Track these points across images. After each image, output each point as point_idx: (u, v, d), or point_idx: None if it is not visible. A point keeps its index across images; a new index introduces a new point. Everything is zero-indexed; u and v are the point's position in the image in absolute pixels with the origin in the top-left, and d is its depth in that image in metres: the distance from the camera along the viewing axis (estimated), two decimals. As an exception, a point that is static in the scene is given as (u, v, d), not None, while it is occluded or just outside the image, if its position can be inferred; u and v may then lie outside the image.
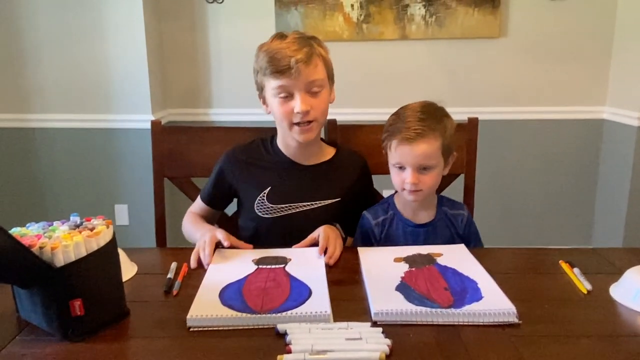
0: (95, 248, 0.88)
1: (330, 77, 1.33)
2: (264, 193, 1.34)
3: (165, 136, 1.56)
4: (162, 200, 1.57)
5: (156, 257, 1.31)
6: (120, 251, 0.97)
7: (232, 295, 0.98)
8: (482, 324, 0.90)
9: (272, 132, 1.40)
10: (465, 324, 0.90)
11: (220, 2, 2.78)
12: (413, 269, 1.09)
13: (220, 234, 1.21)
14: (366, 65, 2.83)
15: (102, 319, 0.90)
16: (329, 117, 1.51)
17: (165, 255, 1.31)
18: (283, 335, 0.86)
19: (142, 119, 2.60)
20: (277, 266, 1.12)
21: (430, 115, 1.25)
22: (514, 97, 2.84)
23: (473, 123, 1.56)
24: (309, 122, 1.27)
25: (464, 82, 2.82)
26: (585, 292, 1.03)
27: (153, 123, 1.56)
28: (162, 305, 0.99)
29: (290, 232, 1.27)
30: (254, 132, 1.49)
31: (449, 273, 1.07)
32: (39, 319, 0.88)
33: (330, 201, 1.35)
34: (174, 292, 1.02)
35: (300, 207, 1.34)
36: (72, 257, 0.85)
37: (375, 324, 0.89)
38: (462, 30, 2.74)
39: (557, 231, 2.98)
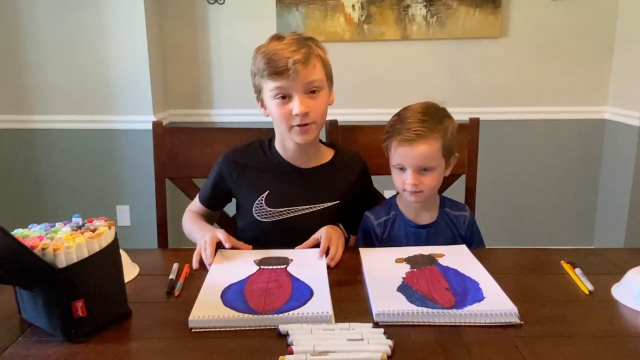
0: (97, 249, 0.88)
1: (329, 78, 1.32)
2: (263, 197, 1.33)
3: (167, 137, 1.56)
4: (164, 201, 1.58)
5: (158, 258, 1.31)
6: (122, 252, 0.97)
7: (233, 296, 0.98)
8: (483, 324, 0.90)
9: (272, 133, 1.39)
10: (466, 324, 0.90)
11: (222, 3, 2.79)
12: (414, 269, 1.09)
13: (221, 235, 1.21)
14: (367, 65, 2.83)
15: (105, 320, 0.90)
16: (330, 117, 1.51)
17: (167, 256, 1.31)
18: (285, 336, 0.86)
19: (143, 120, 2.60)
20: (278, 267, 1.12)
21: (431, 117, 1.25)
22: (516, 97, 2.84)
23: (474, 123, 1.56)
24: (308, 124, 1.25)
25: (465, 83, 2.82)
26: (587, 292, 1.03)
27: (154, 124, 1.56)
28: (164, 306, 0.99)
29: (290, 236, 1.25)
30: (255, 133, 1.49)
31: (450, 273, 1.07)
32: (41, 320, 0.88)
33: (329, 204, 1.35)
34: (176, 293, 1.02)
35: (299, 210, 1.33)
36: (74, 259, 0.85)
37: (376, 325, 0.89)
38: (463, 31, 2.74)
39: (559, 231, 2.98)
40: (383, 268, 1.11)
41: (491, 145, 2.77)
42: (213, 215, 1.49)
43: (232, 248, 1.21)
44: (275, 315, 0.91)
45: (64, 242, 0.85)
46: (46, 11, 2.59)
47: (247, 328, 0.89)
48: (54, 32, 2.61)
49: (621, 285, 1.03)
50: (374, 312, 0.92)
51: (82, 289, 0.86)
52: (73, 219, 0.96)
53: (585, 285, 1.04)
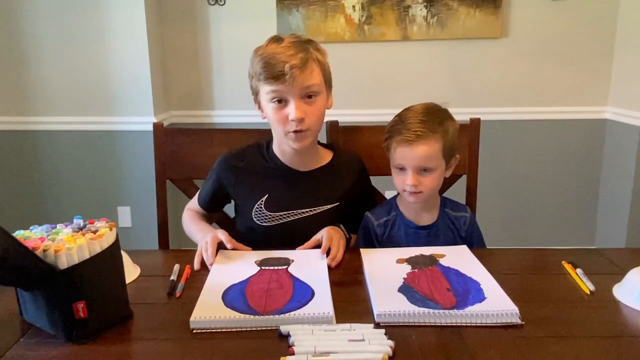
0: (99, 250, 0.88)
1: (328, 82, 1.29)
2: (262, 201, 1.33)
3: (168, 138, 1.56)
4: (165, 202, 1.58)
5: (159, 259, 1.32)
6: (123, 253, 0.97)
7: (235, 296, 0.98)
8: (484, 325, 0.90)
9: (272, 135, 1.37)
10: (468, 325, 0.90)
11: (222, 4, 2.79)
12: (415, 270, 1.09)
13: (222, 235, 1.21)
14: (368, 66, 2.83)
15: (106, 321, 0.90)
16: (331, 118, 1.52)
17: (168, 257, 1.31)
18: (286, 336, 0.86)
19: (144, 121, 2.60)
20: (279, 267, 1.12)
21: (432, 117, 1.25)
22: (516, 97, 2.84)
23: (475, 123, 1.56)
24: (303, 130, 1.24)
25: (466, 83, 2.82)
26: (588, 292, 1.03)
27: (155, 125, 1.56)
28: (165, 307, 0.99)
29: (290, 240, 1.24)
30: (256, 134, 1.49)
31: (451, 274, 1.07)
32: (43, 321, 0.88)
33: (329, 206, 1.34)
34: (177, 294, 1.03)
35: (299, 214, 1.32)
36: (76, 260, 0.85)
37: (378, 326, 0.89)
38: (463, 31, 2.74)
39: (560, 232, 2.97)
40: (384, 269, 1.11)
41: (492, 146, 2.77)
42: (212, 214, 1.50)
43: (233, 249, 1.21)
44: (276, 315, 0.91)
45: (65, 243, 0.85)
46: (47, 12, 2.59)
47: (248, 329, 0.89)
48: (54, 33, 2.61)
49: (622, 285, 1.03)
50: (375, 312, 0.92)
51: (84, 290, 0.86)
52: (74, 220, 0.96)
53: (587, 285, 1.04)
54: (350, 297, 1.02)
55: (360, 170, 1.42)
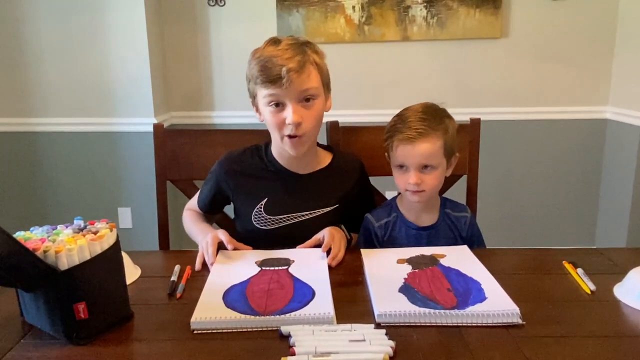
0: (99, 251, 0.88)
1: (326, 84, 1.28)
2: (261, 205, 1.32)
3: (168, 139, 1.56)
4: (165, 203, 1.58)
5: (159, 260, 1.32)
6: (123, 254, 0.97)
7: (235, 297, 0.98)
8: (485, 325, 0.90)
9: (270, 136, 1.37)
10: (468, 325, 0.90)
11: (222, 5, 2.79)
12: (416, 270, 1.09)
13: (223, 236, 1.21)
14: (368, 66, 2.83)
15: (106, 322, 0.90)
16: (331, 119, 1.52)
17: (169, 258, 1.31)
18: (287, 337, 0.86)
19: (144, 122, 2.61)
20: (280, 268, 1.12)
21: (432, 116, 1.26)
22: (516, 97, 2.84)
23: (475, 124, 1.56)
24: (300, 136, 1.23)
25: (466, 83, 2.82)
26: (589, 292, 1.02)
27: (155, 126, 1.56)
28: (165, 308, 0.99)
29: (290, 243, 1.24)
30: (257, 135, 1.49)
31: (452, 274, 1.07)
32: (44, 322, 0.88)
33: (328, 209, 1.33)
34: (178, 294, 1.03)
35: (299, 217, 1.32)
36: (76, 261, 0.85)
37: (378, 326, 0.89)
38: (463, 31, 2.74)
39: (561, 231, 2.97)
40: (385, 269, 1.11)
41: (492, 146, 2.77)
42: (212, 216, 1.50)
43: (234, 249, 1.21)
44: (277, 316, 0.91)
45: (66, 244, 0.85)
46: (47, 14, 2.60)
47: (249, 329, 0.89)
48: (55, 34, 2.61)
49: (623, 285, 1.03)
50: (376, 313, 0.92)
51: (84, 291, 0.86)
52: (75, 221, 0.96)
53: (587, 285, 1.04)
54: (351, 297, 1.02)
55: (360, 172, 1.42)
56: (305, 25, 2.75)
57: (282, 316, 0.91)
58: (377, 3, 2.72)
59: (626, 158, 2.67)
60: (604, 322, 0.93)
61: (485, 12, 2.71)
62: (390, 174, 1.33)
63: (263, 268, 1.12)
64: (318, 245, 1.22)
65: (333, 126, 1.55)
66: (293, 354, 0.80)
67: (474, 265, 1.12)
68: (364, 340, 0.83)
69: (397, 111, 1.32)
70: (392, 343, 0.82)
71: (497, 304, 0.94)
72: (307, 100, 1.22)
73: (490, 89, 2.83)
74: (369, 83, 2.84)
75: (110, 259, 0.91)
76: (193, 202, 1.48)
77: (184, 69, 2.88)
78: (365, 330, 0.86)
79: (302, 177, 1.35)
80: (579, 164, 2.90)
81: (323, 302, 0.96)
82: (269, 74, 1.18)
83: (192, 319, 0.90)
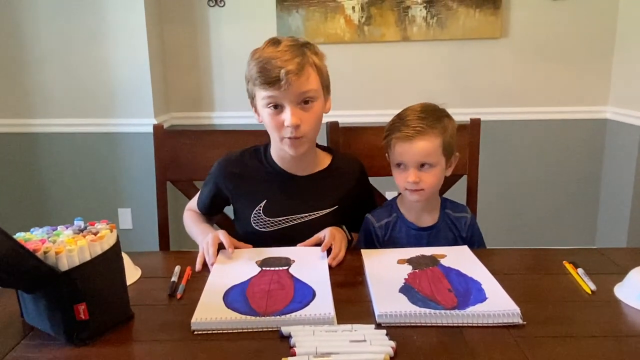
0: (99, 252, 0.88)
1: (325, 86, 1.27)
2: (260, 207, 1.32)
3: (168, 140, 1.56)
4: (165, 203, 1.58)
5: (160, 261, 1.32)
6: (124, 255, 0.97)
7: (236, 297, 0.98)
8: (486, 325, 0.90)
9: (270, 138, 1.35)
10: (469, 325, 0.90)
11: (222, 6, 2.79)
12: (417, 270, 1.09)
13: (223, 237, 1.21)
14: (368, 67, 2.83)
15: (107, 322, 0.90)
16: (331, 119, 1.52)
17: (169, 258, 1.31)
18: (287, 337, 0.86)
19: (144, 123, 2.61)
20: (280, 268, 1.12)
21: (430, 115, 1.26)
22: (516, 97, 2.84)
23: (475, 124, 1.56)
24: (299, 137, 1.22)
25: (466, 83, 2.82)
26: (590, 292, 1.02)
27: (155, 127, 1.56)
28: (166, 308, 0.99)
29: (289, 245, 1.23)
30: (257, 136, 1.49)
31: (452, 274, 1.07)
32: (44, 323, 0.88)
33: (328, 210, 1.33)
34: (178, 295, 1.03)
35: (298, 219, 1.31)
36: (77, 262, 0.85)
37: (379, 326, 0.89)
38: (463, 31, 2.74)
39: (561, 231, 2.97)
40: (385, 269, 1.11)
41: (492, 146, 2.77)
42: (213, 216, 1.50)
43: (235, 248, 1.21)
44: (278, 317, 0.91)
45: (66, 245, 0.85)
46: (47, 15, 2.60)
47: (249, 330, 0.89)
48: (55, 35, 2.62)
49: (623, 284, 1.03)
50: (377, 313, 0.92)
51: (84, 292, 0.86)
52: (75, 222, 0.96)
53: (588, 285, 1.04)
54: (352, 297, 1.02)
55: (360, 173, 1.42)
56: (305, 25, 2.75)
57: (283, 317, 0.91)
58: (377, 3, 2.72)
59: (626, 158, 2.67)
60: (605, 322, 0.93)
61: (485, 12, 2.71)
62: (390, 174, 1.33)
63: (263, 268, 1.12)
64: (319, 244, 1.22)
65: (333, 127, 1.55)
66: (293, 354, 0.80)
67: (475, 265, 1.12)
68: (364, 340, 0.83)
69: (397, 111, 1.33)
70: (392, 343, 0.82)
71: (498, 304, 0.94)
72: (306, 102, 1.22)
73: (490, 89, 2.83)
74: (369, 83, 2.84)
75: (110, 260, 0.91)
76: (193, 203, 1.47)
77: (183, 70, 2.88)
78: (365, 330, 0.86)
79: (301, 179, 1.34)
80: (579, 164, 2.90)
81: (323, 303, 0.96)
82: (267, 76, 1.17)
83: (193, 320, 0.90)
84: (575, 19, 2.73)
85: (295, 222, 1.32)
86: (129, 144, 2.72)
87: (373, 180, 1.48)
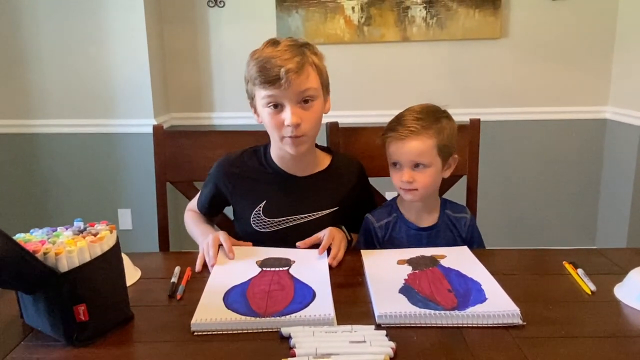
0: (99, 253, 0.88)
1: (325, 86, 1.28)
2: (260, 207, 1.32)
3: (168, 140, 1.56)
4: (165, 204, 1.58)
5: (160, 262, 1.31)
6: (123, 256, 0.97)
7: (236, 298, 0.98)
8: (486, 325, 0.90)
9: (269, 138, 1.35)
10: (469, 325, 0.90)
11: (222, 6, 2.79)
12: (416, 271, 1.09)
13: (224, 241, 1.21)
14: (368, 67, 2.83)
15: (107, 323, 0.90)
16: (331, 119, 1.52)
17: (169, 259, 1.31)
18: (287, 338, 0.86)
19: (144, 124, 2.60)
20: (280, 269, 1.12)
21: (427, 116, 1.27)
22: (516, 97, 2.84)
23: (475, 124, 1.56)
24: (299, 136, 1.23)
25: (466, 84, 2.82)
26: (590, 292, 1.02)
27: (155, 127, 1.56)
28: (166, 309, 0.99)
29: (289, 246, 1.23)
30: (256, 136, 1.48)
31: (452, 275, 1.07)
32: (44, 324, 0.88)
33: (328, 211, 1.33)
34: (178, 296, 1.03)
35: (298, 219, 1.31)
36: (76, 263, 0.85)
37: (379, 327, 0.89)
38: (463, 32, 2.74)
39: (561, 232, 2.97)
40: (385, 270, 1.11)
41: (492, 146, 2.77)
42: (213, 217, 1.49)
43: (234, 245, 1.22)
44: (278, 317, 0.91)
45: (66, 246, 0.85)
46: (47, 16, 2.59)
47: (249, 331, 0.89)
48: (54, 36, 2.61)
49: (623, 285, 1.03)
50: (376, 314, 0.92)
51: (84, 293, 0.86)
52: (75, 223, 0.96)
53: (588, 285, 1.04)
54: (351, 298, 1.02)
55: (359, 174, 1.42)
56: (304, 26, 2.75)
57: (283, 317, 0.91)
58: (377, 4, 2.72)
59: (626, 158, 2.67)
60: (605, 322, 0.93)
61: (485, 12, 2.71)
62: (390, 174, 1.33)
63: (263, 269, 1.12)
64: (318, 243, 1.22)
65: (333, 127, 1.55)
66: (293, 355, 0.80)
67: (474, 265, 1.12)
68: (364, 341, 0.83)
69: (397, 112, 1.33)
70: (392, 344, 0.82)
71: (498, 304, 0.94)
72: (306, 101, 1.22)
73: (490, 89, 2.83)
74: (369, 84, 2.84)
75: (110, 261, 0.90)
76: (194, 203, 1.47)
77: (183, 70, 2.88)
78: (365, 331, 0.86)
79: (301, 180, 1.34)
80: (578, 164, 2.90)
81: (323, 304, 0.96)
82: (267, 75, 1.18)
83: (193, 321, 0.90)
84: (575, 19, 2.73)
85: (295, 223, 1.32)
86: (128, 144, 2.72)
87: (373, 181, 1.48)
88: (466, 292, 0.99)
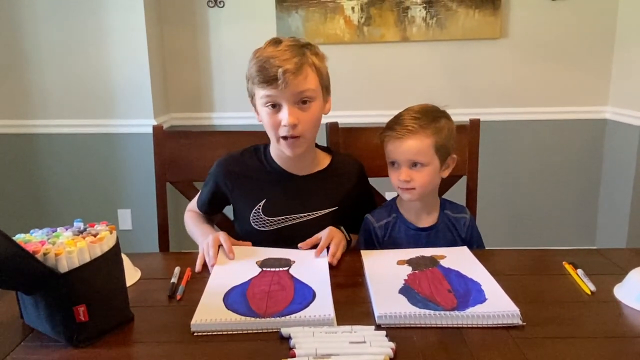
0: (99, 254, 0.88)
1: (325, 87, 1.28)
2: (259, 206, 1.32)
3: (167, 141, 1.56)
4: (165, 204, 1.58)
5: (160, 262, 1.32)
6: (123, 256, 0.97)
7: (236, 299, 0.98)
8: (485, 326, 0.90)
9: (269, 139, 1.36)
10: (469, 326, 0.90)
11: (221, 6, 2.79)
12: (416, 271, 1.09)
13: (224, 240, 1.21)
14: (367, 67, 2.83)
15: (107, 324, 0.90)
16: (331, 120, 1.52)
17: (169, 259, 1.31)
18: (287, 339, 0.86)
19: (144, 124, 2.60)
20: (281, 269, 1.12)
21: (425, 115, 1.27)
22: (516, 97, 2.84)
23: (475, 124, 1.56)
24: (296, 137, 1.23)
25: (466, 84, 2.82)
26: (589, 293, 1.02)
27: (155, 128, 1.56)
28: (166, 310, 0.99)
29: (288, 244, 1.24)
30: (257, 136, 1.48)
31: (452, 275, 1.07)
32: (44, 325, 0.88)
33: (327, 210, 1.33)
34: (178, 296, 1.03)
35: (297, 218, 1.32)
36: (76, 263, 0.85)
37: (379, 327, 0.89)
38: (463, 32, 2.74)
39: (560, 232, 2.97)
40: (385, 270, 1.11)
41: (492, 146, 2.77)
42: (214, 215, 1.50)
43: (234, 245, 1.22)
44: (278, 318, 0.91)
45: (66, 246, 0.85)
46: (47, 16, 2.59)
47: (249, 331, 0.89)
48: (54, 36, 2.61)
49: (623, 285, 1.03)
50: (376, 314, 0.92)
51: (84, 294, 0.86)
52: (75, 224, 0.96)
53: (587, 285, 1.04)
54: (351, 298, 1.02)
55: (359, 174, 1.42)
56: (304, 26, 2.75)
57: (283, 318, 0.91)
58: (377, 4, 2.72)
59: (626, 158, 2.67)
60: (604, 323, 0.93)
61: (485, 12, 2.71)
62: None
63: (264, 269, 1.12)
64: (318, 244, 1.22)
65: (333, 127, 1.55)
66: (293, 356, 0.80)
67: (474, 266, 1.12)
68: (364, 341, 0.83)
69: (396, 112, 1.33)
70: (392, 344, 0.82)
71: (498, 305, 0.94)
72: (304, 102, 1.22)
73: (490, 89, 2.83)
74: (369, 84, 2.84)
75: (110, 261, 0.91)
76: (194, 203, 1.48)
77: (183, 71, 2.88)
78: (365, 331, 0.86)
79: (300, 179, 1.34)
80: (579, 163, 2.90)
81: (323, 304, 0.96)
82: (265, 75, 1.18)
83: (193, 321, 0.90)
84: (574, 19, 2.73)
85: (295, 222, 1.32)
86: (128, 144, 2.72)
87: (373, 181, 1.48)
88: (466, 293, 0.99)
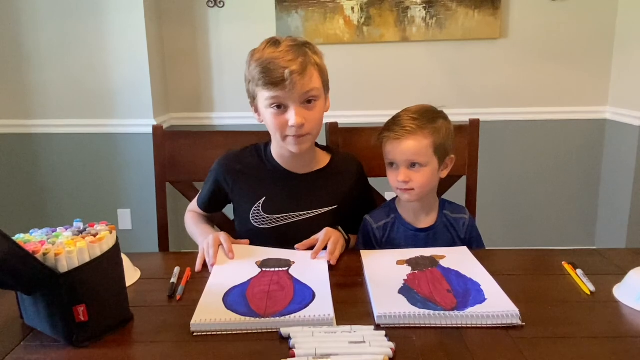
0: (99, 254, 0.88)
1: (326, 85, 1.29)
2: (259, 203, 1.32)
3: (167, 141, 1.56)
4: (165, 204, 1.58)
5: (159, 262, 1.31)
6: (123, 256, 0.97)
7: (235, 299, 0.99)
8: (485, 326, 0.90)
9: (270, 137, 1.36)
10: (468, 326, 0.90)
11: (221, 6, 2.79)
12: (416, 271, 1.09)
13: (224, 240, 1.21)
14: (367, 67, 2.83)
15: (106, 324, 0.90)
16: (330, 120, 1.52)
17: (169, 259, 1.31)
18: (287, 339, 0.86)
19: (144, 124, 2.60)
20: (280, 269, 1.12)
21: (423, 116, 1.27)
22: (516, 98, 2.84)
23: (474, 124, 1.56)
24: (303, 135, 1.23)
25: (465, 84, 2.82)
26: (589, 293, 1.03)
27: (154, 128, 1.56)
28: (165, 309, 0.99)
29: (288, 242, 1.24)
30: (256, 136, 1.49)
31: (451, 275, 1.07)
32: (43, 325, 0.88)
33: (327, 209, 1.34)
34: (178, 296, 1.03)
35: (297, 216, 1.32)
36: (76, 263, 0.85)
37: (378, 327, 0.89)
38: (462, 32, 2.74)
39: (560, 232, 2.97)
40: (384, 270, 1.11)
41: (491, 146, 2.77)
42: (214, 216, 1.50)
43: (234, 244, 1.22)
44: (277, 318, 0.91)
45: (66, 246, 0.85)
46: (46, 16, 2.59)
47: (249, 331, 0.90)
48: (54, 36, 2.61)
49: (623, 285, 1.03)
50: (376, 314, 0.92)
51: (84, 294, 0.86)
52: (74, 224, 0.96)
53: (587, 286, 1.04)
54: (351, 299, 1.02)
55: (359, 173, 1.42)
56: (304, 26, 2.75)
57: (282, 318, 0.91)
58: (376, 4, 2.72)
59: (626, 158, 2.67)
60: (604, 323, 0.93)
61: (484, 12, 2.71)
62: (388, 174, 1.33)
63: (263, 269, 1.12)
64: (315, 245, 1.22)
65: (332, 127, 1.55)
66: (293, 356, 0.80)
67: (474, 266, 1.12)
68: (363, 341, 0.83)
69: (396, 112, 1.33)
70: (391, 344, 0.82)
71: (497, 305, 0.94)
72: (309, 101, 1.23)
73: (490, 89, 2.83)
74: (368, 84, 2.84)
75: (109, 261, 0.91)
76: (194, 204, 1.48)
77: (183, 71, 2.88)
78: (365, 331, 0.86)
79: (300, 177, 1.35)
80: (578, 164, 2.90)
81: (323, 304, 0.96)
82: (271, 77, 1.18)
83: (192, 321, 0.90)
84: (574, 19, 2.73)
85: (294, 220, 1.32)
86: (128, 144, 2.72)
87: (372, 181, 1.48)
88: (465, 293, 0.99)
